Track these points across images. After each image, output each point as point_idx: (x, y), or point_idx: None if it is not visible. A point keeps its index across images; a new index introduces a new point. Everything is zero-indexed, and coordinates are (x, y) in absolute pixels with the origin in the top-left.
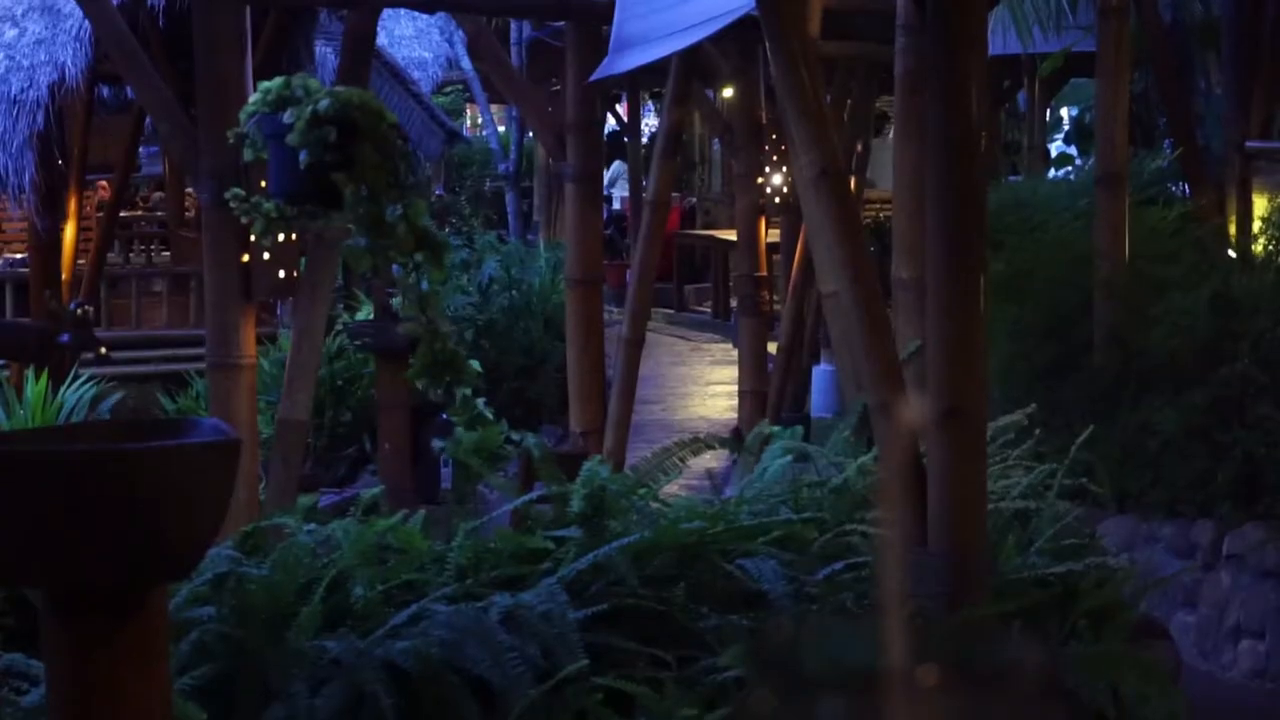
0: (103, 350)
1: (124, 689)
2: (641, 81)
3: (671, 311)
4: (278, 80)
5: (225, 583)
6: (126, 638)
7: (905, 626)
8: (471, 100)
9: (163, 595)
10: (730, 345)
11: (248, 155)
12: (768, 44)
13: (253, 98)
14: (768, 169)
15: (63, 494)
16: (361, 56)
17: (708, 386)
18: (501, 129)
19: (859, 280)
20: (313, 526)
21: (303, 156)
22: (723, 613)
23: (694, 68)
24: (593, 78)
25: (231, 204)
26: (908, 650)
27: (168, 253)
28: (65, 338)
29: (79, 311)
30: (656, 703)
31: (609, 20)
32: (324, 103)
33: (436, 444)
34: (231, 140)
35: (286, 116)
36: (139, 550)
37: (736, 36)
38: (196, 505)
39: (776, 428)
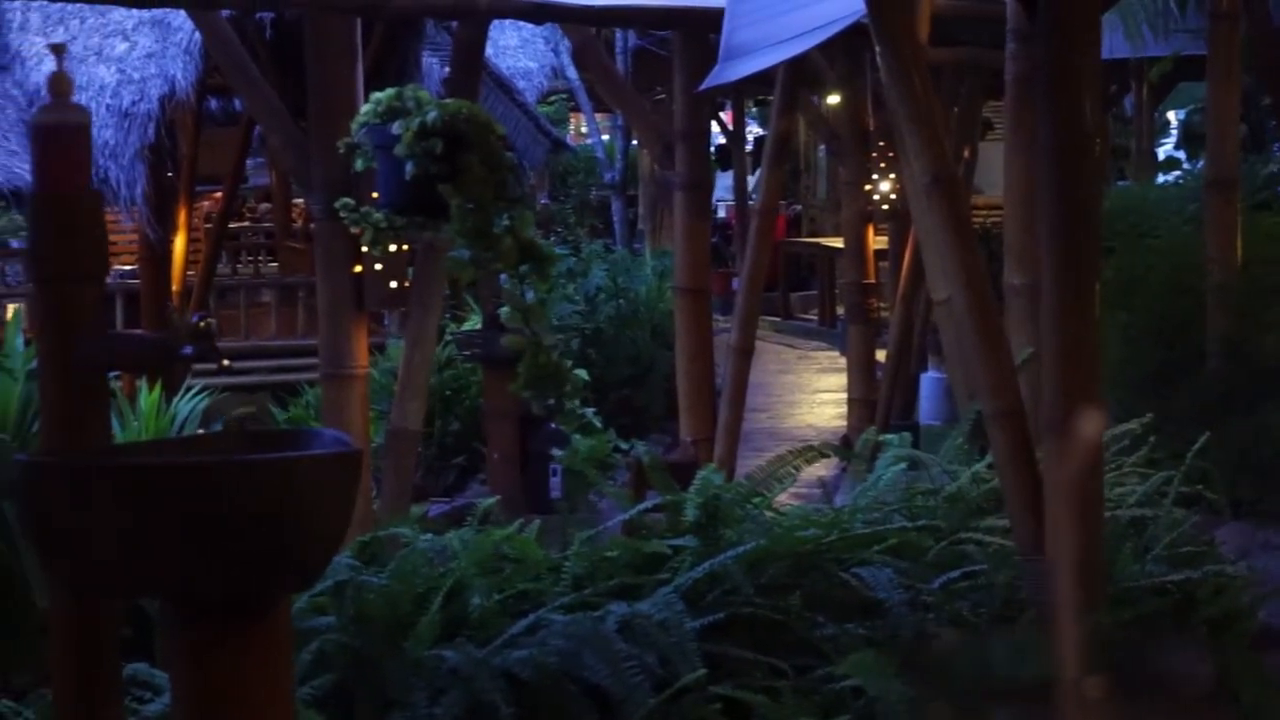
0: (225, 362)
1: (249, 700)
2: (746, 89)
3: (778, 319)
4: (389, 91)
5: (344, 591)
6: (252, 648)
7: (1069, 636)
8: (576, 109)
9: (287, 606)
10: (837, 353)
11: (358, 165)
12: (879, 51)
13: (364, 108)
14: (875, 176)
15: (196, 506)
16: (471, 67)
17: (815, 394)
18: (606, 138)
19: (971, 287)
20: (430, 535)
21: (408, 168)
22: (839, 621)
23: (800, 75)
24: (702, 86)
25: (341, 214)
26: (1074, 659)
27: (275, 263)
28: (187, 350)
29: (201, 324)
30: (774, 711)
31: (716, 29)
32: (431, 114)
33: (556, 452)
34: (342, 150)
35: (395, 127)
36: (267, 561)
37: (843, 43)
38: (322, 516)
39: (888, 435)
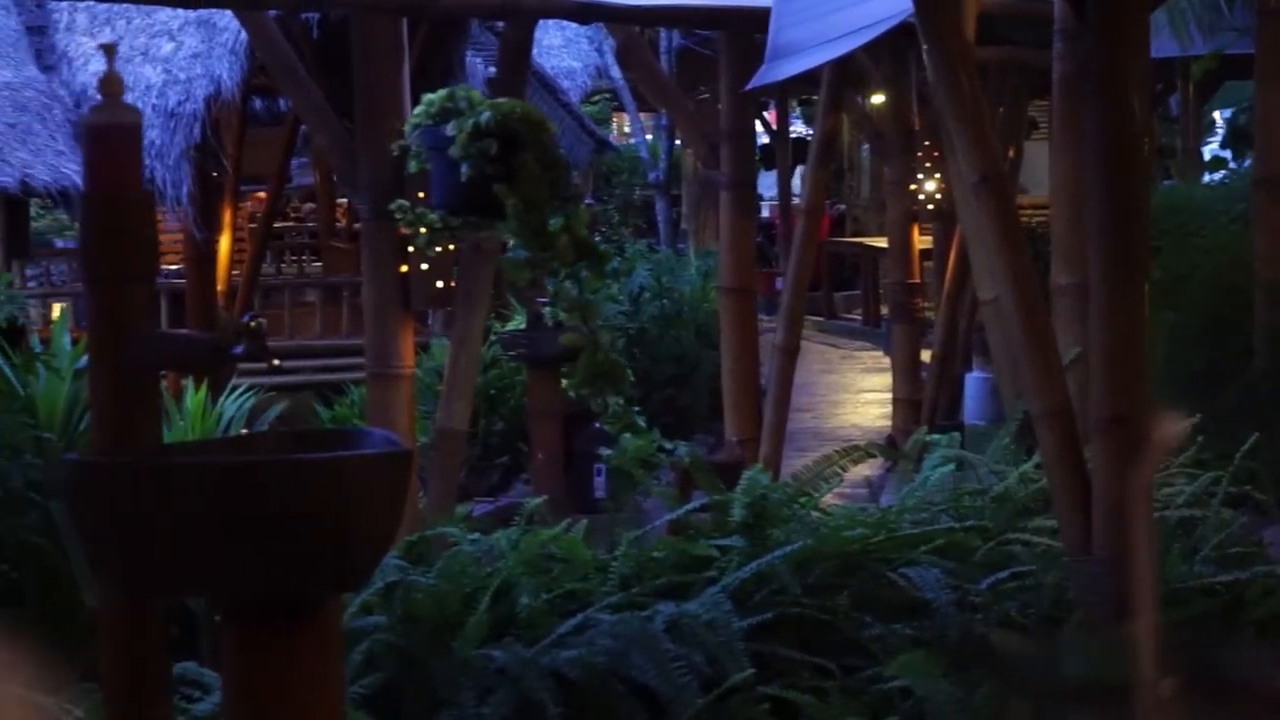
0: (276, 362)
1: (298, 700)
2: (791, 89)
3: (821, 319)
4: (441, 92)
5: (394, 592)
6: (302, 648)
7: (1145, 639)
8: (619, 109)
9: (338, 607)
10: (880, 353)
11: (412, 167)
12: (926, 50)
13: (416, 110)
14: (920, 175)
15: (245, 506)
16: (517, 66)
17: (859, 394)
18: (650, 137)
19: (1019, 286)
20: (477, 535)
21: (463, 169)
22: (886, 621)
23: (846, 75)
24: (749, 86)
25: (397, 215)
26: (1149, 661)
27: (319, 263)
28: (238, 349)
29: (252, 324)
30: (822, 711)
31: (762, 29)
32: (485, 115)
33: (604, 452)
34: (396, 152)
35: (449, 129)
36: (315, 562)
37: (888, 43)
38: (371, 516)
39: (935, 435)
